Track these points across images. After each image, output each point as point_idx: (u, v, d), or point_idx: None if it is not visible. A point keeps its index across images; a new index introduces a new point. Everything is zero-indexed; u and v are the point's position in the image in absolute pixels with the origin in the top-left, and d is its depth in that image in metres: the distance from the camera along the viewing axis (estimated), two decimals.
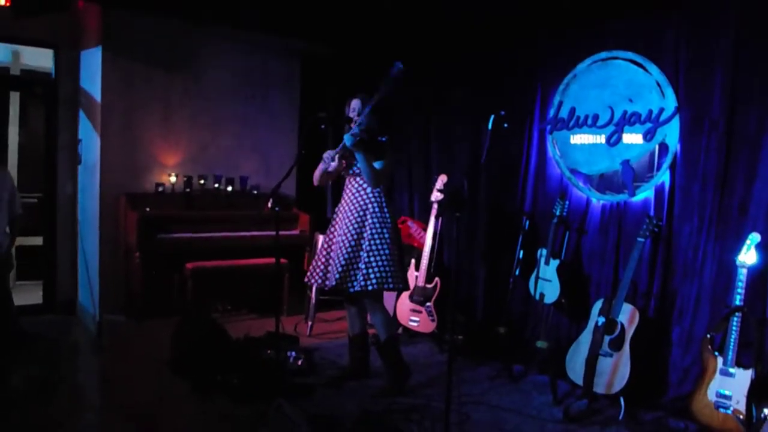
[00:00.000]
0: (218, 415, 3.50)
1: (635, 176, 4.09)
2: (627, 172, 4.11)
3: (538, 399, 3.90)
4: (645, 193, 4.06)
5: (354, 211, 3.82)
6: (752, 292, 3.39)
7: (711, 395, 3.26)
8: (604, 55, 4.26)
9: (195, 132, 5.85)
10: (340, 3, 4.88)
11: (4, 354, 4.49)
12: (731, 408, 3.18)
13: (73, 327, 5.46)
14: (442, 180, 4.98)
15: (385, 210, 3.85)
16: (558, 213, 4.30)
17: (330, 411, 3.54)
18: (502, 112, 3.80)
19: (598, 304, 3.79)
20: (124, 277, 5.35)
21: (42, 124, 5.86)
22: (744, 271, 3.28)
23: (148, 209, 5.24)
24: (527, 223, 4.62)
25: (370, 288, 3.71)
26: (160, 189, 5.53)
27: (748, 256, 3.28)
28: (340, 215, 3.92)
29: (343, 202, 3.94)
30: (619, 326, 3.65)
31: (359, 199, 3.84)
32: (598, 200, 4.34)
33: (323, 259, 3.93)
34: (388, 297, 5.03)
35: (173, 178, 5.62)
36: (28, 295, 5.98)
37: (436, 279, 4.94)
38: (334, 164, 3.81)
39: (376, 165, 3.76)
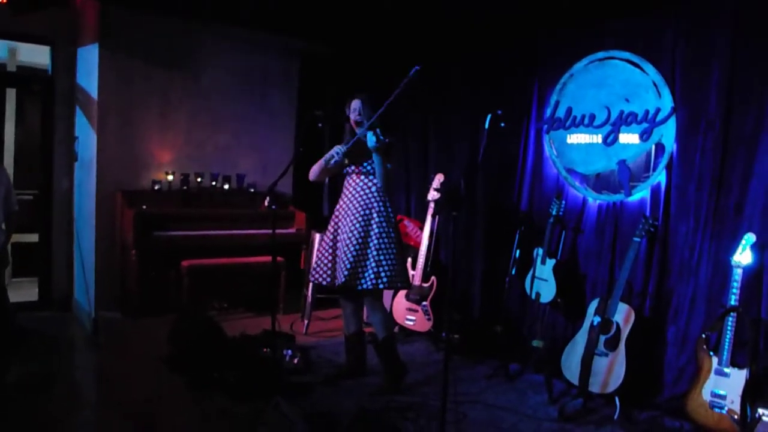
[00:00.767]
0: (215, 413, 3.50)
1: (632, 176, 4.10)
2: (623, 172, 4.12)
3: (534, 398, 3.91)
4: (641, 193, 4.07)
5: (360, 209, 3.83)
6: (747, 292, 3.40)
7: (706, 395, 3.27)
8: (601, 54, 4.26)
9: (192, 130, 5.85)
10: (339, 2, 4.88)
11: (0, 351, 4.48)
12: (726, 408, 3.19)
13: (68, 324, 5.45)
14: (439, 179, 4.99)
15: (389, 209, 3.88)
16: (554, 212, 4.31)
17: (327, 409, 3.54)
18: (499, 111, 3.79)
19: (593, 304, 3.81)
20: (120, 274, 5.35)
21: (38, 121, 5.84)
22: (739, 271, 3.29)
23: (144, 207, 5.23)
24: (523, 222, 4.63)
25: (381, 286, 3.75)
26: (157, 186, 5.53)
27: (743, 257, 3.30)
28: (343, 213, 3.91)
29: (345, 199, 3.94)
30: (614, 326, 3.66)
31: (365, 197, 3.85)
32: (594, 200, 4.35)
33: (329, 257, 3.93)
34: (385, 296, 5.03)
35: (170, 176, 5.61)
36: (23, 291, 5.96)
37: (433, 278, 4.95)
38: (333, 162, 3.80)
39: (389, 165, 3.80)
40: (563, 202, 4.34)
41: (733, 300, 3.27)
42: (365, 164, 3.85)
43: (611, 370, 3.62)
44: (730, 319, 3.26)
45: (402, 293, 5.04)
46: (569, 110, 4.44)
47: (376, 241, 3.77)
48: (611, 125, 4.19)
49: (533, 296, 4.36)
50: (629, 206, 4.14)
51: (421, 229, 5.13)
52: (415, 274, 5.01)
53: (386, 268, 3.75)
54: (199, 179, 5.74)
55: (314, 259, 4.04)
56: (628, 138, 4.11)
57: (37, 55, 5.93)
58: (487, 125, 3.80)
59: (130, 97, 5.47)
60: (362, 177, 3.89)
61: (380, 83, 3.85)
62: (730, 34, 3.61)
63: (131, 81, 5.46)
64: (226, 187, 5.88)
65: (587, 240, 4.39)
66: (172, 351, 4.17)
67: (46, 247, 5.79)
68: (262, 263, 5.55)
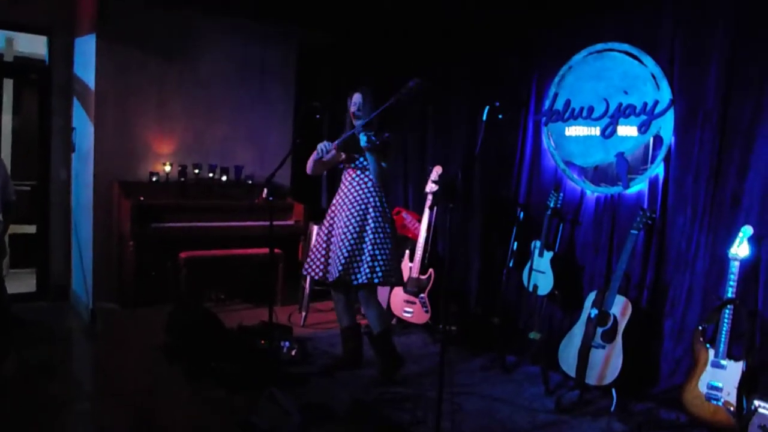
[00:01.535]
0: (211, 403, 3.50)
1: (629, 168, 4.09)
2: (621, 165, 4.12)
3: (531, 390, 3.92)
4: (639, 186, 4.06)
5: (355, 204, 3.83)
6: (744, 284, 3.40)
7: (702, 387, 3.27)
8: (599, 46, 4.25)
9: (190, 121, 5.83)
10: None
11: None
12: (722, 400, 3.19)
13: (66, 314, 5.45)
14: (436, 171, 4.98)
15: (385, 204, 3.88)
16: (552, 205, 4.30)
17: (323, 400, 3.55)
18: (497, 103, 3.78)
19: (591, 296, 3.81)
20: (117, 265, 5.35)
21: (36, 112, 5.82)
22: (736, 263, 3.29)
23: (142, 198, 5.23)
24: (521, 214, 4.62)
25: (376, 281, 3.76)
26: (155, 178, 5.52)
27: (740, 249, 3.29)
28: (339, 207, 3.91)
29: (341, 193, 3.94)
30: (611, 318, 3.67)
31: (360, 192, 3.85)
32: (592, 192, 4.34)
33: (323, 252, 3.93)
34: (383, 288, 5.04)
35: (168, 167, 5.60)
36: (21, 282, 5.96)
37: (431, 270, 4.94)
38: (329, 155, 3.81)
39: (384, 164, 3.80)
40: (561, 194, 4.33)
41: (730, 292, 3.27)
42: (361, 159, 3.84)
43: (608, 362, 3.62)
44: (727, 311, 3.26)
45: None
46: (568, 102, 4.43)
47: (371, 236, 3.77)
48: (609, 117, 4.18)
49: (530, 288, 4.36)
50: (627, 198, 4.14)
51: (419, 221, 5.12)
52: (413, 266, 5.01)
53: (381, 262, 3.76)
54: (196, 170, 5.73)
55: (309, 252, 4.05)
56: (627, 130, 4.10)
57: (34, 45, 5.91)
58: (484, 117, 3.79)
59: (128, 88, 5.46)
60: (358, 172, 3.88)
61: (378, 74, 3.85)
62: (729, 26, 3.60)
63: (128, 71, 5.44)
64: (224, 178, 5.87)
65: (585, 232, 4.39)
66: (168, 341, 4.17)
67: (44, 237, 5.78)
68: (259, 255, 5.55)
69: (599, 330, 3.69)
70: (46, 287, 5.80)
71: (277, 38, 6.21)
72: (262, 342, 4.19)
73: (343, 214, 3.86)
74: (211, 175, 5.82)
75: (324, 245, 3.93)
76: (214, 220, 5.55)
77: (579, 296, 4.20)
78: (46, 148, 5.71)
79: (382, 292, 5.09)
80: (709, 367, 3.28)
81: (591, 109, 4.29)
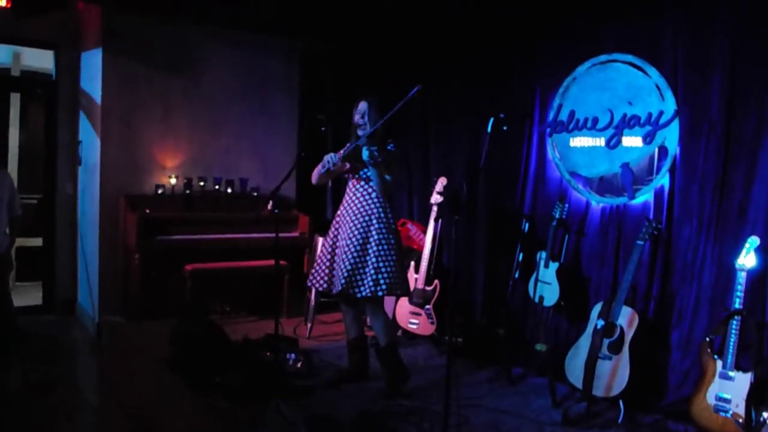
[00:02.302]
0: (217, 416, 3.50)
1: (635, 179, 4.09)
2: (626, 175, 4.11)
3: (537, 402, 3.89)
4: (644, 196, 4.06)
5: (359, 215, 3.82)
6: (751, 295, 3.38)
7: (710, 398, 3.25)
8: (603, 57, 4.26)
9: (195, 133, 5.86)
10: (340, 3, 4.88)
11: (3, 354, 4.49)
12: (730, 412, 3.17)
13: (72, 327, 5.47)
14: (441, 182, 4.98)
15: (389, 215, 3.87)
16: (557, 216, 4.29)
17: (328, 413, 3.53)
18: (502, 115, 3.80)
19: (597, 307, 3.79)
20: (123, 278, 5.35)
21: (42, 125, 5.87)
22: (743, 274, 3.27)
23: (147, 211, 5.24)
24: (527, 225, 4.62)
25: (380, 293, 3.74)
26: (160, 191, 5.54)
27: (747, 260, 3.28)
28: (343, 219, 3.91)
29: (345, 204, 3.94)
30: (618, 329, 3.65)
31: (364, 203, 3.84)
32: (597, 203, 4.34)
33: (327, 263, 3.92)
34: (388, 299, 5.03)
35: (173, 180, 5.62)
36: (27, 295, 5.99)
37: (436, 281, 4.94)
38: (334, 167, 3.81)
39: (387, 177, 3.79)
40: (566, 205, 4.33)
41: (737, 303, 3.26)
42: (365, 170, 3.84)
43: (615, 374, 3.60)
44: (734, 322, 3.24)
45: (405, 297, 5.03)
46: (572, 113, 4.43)
47: (375, 248, 3.76)
48: (614, 128, 4.18)
49: (536, 300, 4.35)
50: (632, 209, 4.13)
51: (424, 232, 5.12)
52: (419, 278, 5.00)
53: (385, 274, 3.74)
54: (201, 183, 5.75)
55: (314, 264, 4.05)
56: (632, 141, 4.10)
57: (40, 59, 5.97)
58: (489, 128, 3.81)
59: (133, 101, 5.49)
60: (362, 183, 3.88)
61: (382, 85, 3.86)
62: (731, 36, 3.60)
63: (134, 85, 5.48)
64: (229, 191, 5.88)
65: (590, 243, 4.38)
66: (173, 354, 4.17)
67: (50, 251, 5.81)
68: (265, 267, 5.55)
69: (606, 341, 3.67)
70: (52, 300, 5.82)
71: (280, 50, 6.25)
72: (268, 354, 4.19)
73: (346, 225, 3.85)
74: (216, 187, 5.84)
75: (328, 257, 3.93)
76: (219, 232, 5.56)
77: (585, 307, 4.18)
78: (52, 162, 5.75)
79: (387, 303, 5.08)
80: (717, 379, 3.25)
81: (595, 120, 4.29)
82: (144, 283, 5.19)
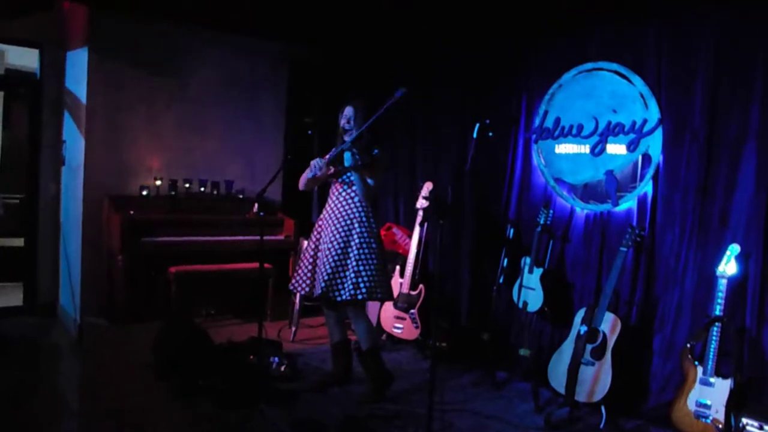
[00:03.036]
0: (200, 420, 3.47)
1: (619, 186, 4.13)
2: (611, 182, 4.15)
3: (521, 406, 3.92)
4: (628, 203, 4.10)
5: (341, 219, 3.82)
6: (732, 302, 3.44)
7: (691, 404, 3.29)
8: (589, 65, 4.30)
9: (181, 135, 5.83)
10: (328, 9, 4.89)
11: None
12: (711, 417, 3.21)
13: (53, 330, 5.40)
14: (427, 187, 5.00)
15: (372, 220, 3.87)
16: (542, 222, 4.33)
17: (313, 417, 3.53)
18: (488, 121, 3.83)
19: (580, 313, 3.82)
20: (106, 280, 5.31)
21: (26, 125, 5.80)
22: (724, 281, 3.32)
23: (132, 212, 5.20)
24: (512, 231, 4.65)
25: (360, 297, 3.73)
26: (145, 192, 5.50)
27: (728, 267, 3.33)
28: (325, 222, 3.91)
29: (328, 208, 3.94)
30: (601, 335, 3.68)
31: (346, 207, 3.85)
32: (582, 209, 4.37)
33: (309, 267, 3.93)
34: (373, 304, 5.04)
35: (158, 182, 5.59)
36: (8, 297, 5.91)
37: (421, 286, 4.95)
38: (321, 172, 3.82)
39: (370, 181, 3.80)
40: (551, 211, 4.36)
41: (718, 310, 3.30)
42: (348, 174, 3.85)
43: (597, 379, 3.63)
44: (715, 328, 3.29)
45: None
46: (557, 120, 4.47)
47: (356, 252, 3.76)
48: (599, 136, 4.22)
49: (520, 305, 4.37)
50: (616, 216, 4.17)
51: (410, 236, 5.14)
52: (404, 282, 5.01)
53: (365, 279, 3.73)
54: (187, 185, 5.72)
55: (296, 267, 4.05)
56: (616, 148, 4.14)
57: (25, 58, 5.90)
58: (475, 134, 3.84)
59: (119, 102, 5.45)
60: (345, 187, 3.88)
61: (369, 90, 3.87)
62: (714, 46, 3.66)
63: (120, 85, 5.44)
64: (215, 193, 5.86)
65: (575, 249, 4.41)
66: (156, 358, 4.14)
67: (32, 251, 5.74)
68: (250, 270, 5.53)
69: (589, 347, 3.71)
70: (33, 302, 5.74)
71: (268, 53, 6.24)
72: (252, 357, 4.17)
73: (329, 229, 3.86)
74: (201, 189, 5.81)
75: (311, 260, 3.93)
76: (204, 234, 5.53)
77: (569, 313, 4.21)
78: (35, 161, 5.67)
79: (372, 307, 5.09)
80: (697, 385, 3.30)
81: (580, 127, 4.33)
82: (128, 285, 5.15)
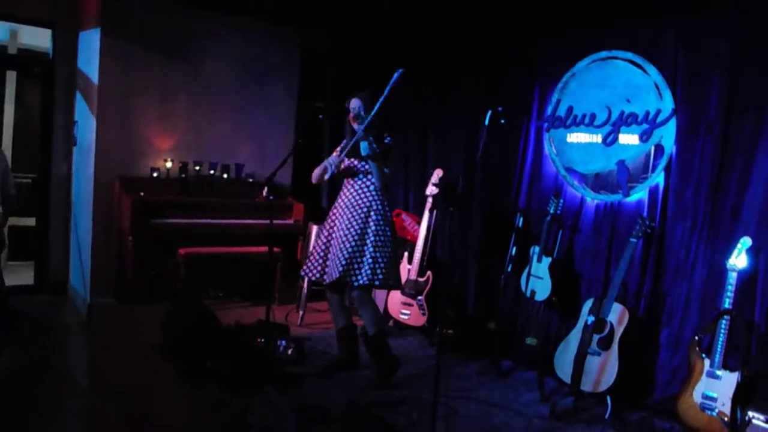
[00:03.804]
0: (207, 402, 3.50)
1: (630, 177, 4.10)
2: (622, 173, 4.12)
3: (526, 395, 3.92)
4: (639, 194, 4.07)
5: (357, 207, 3.86)
6: (741, 295, 3.41)
7: (697, 397, 3.28)
8: (603, 54, 4.25)
9: (192, 118, 5.83)
10: None
11: None
12: (716, 410, 3.20)
13: (63, 309, 5.45)
14: (437, 174, 4.98)
15: (387, 208, 3.93)
16: (552, 211, 4.31)
17: (318, 401, 3.55)
18: (500, 108, 3.79)
19: (588, 303, 3.81)
20: (116, 260, 5.35)
21: (38, 104, 5.82)
22: (734, 274, 3.29)
23: (142, 194, 5.23)
24: (521, 219, 4.63)
25: (376, 283, 3.79)
26: (155, 174, 5.52)
27: (738, 260, 3.30)
28: (340, 211, 3.94)
29: (342, 197, 3.96)
30: (608, 326, 3.67)
31: (362, 195, 3.88)
32: (592, 199, 4.35)
33: (321, 254, 3.95)
34: (380, 291, 5.04)
35: (169, 164, 5.60)
36: (19, 275, 5.96)
37: (429, 273, 4.95)
38: (334, 168, 3.82)
39: (386, 170, 3.85)
40: (561, 200, 4.34)
41: (727, 303, 3.28)
42: (363, 163, 3.86)
43: (603, 370, 3.63)
44: (724, 322, 3.26)
45: None
46: (570, 109, 4.43)
47: (373, 238, 3.81)
48: (611, 125, 4.19)
49: (528, 294, 4.36)
50: (627, 207, 4.14)
51: (419, 223, 5.13)
52: (411, 269, 5.01)
53: (382, 266, 3.80)
54: (197, 167, 5.73)
55: (308, 254, 4.07)
56: (628, 138, 4.11)
57: (38, 38, 5.91)
58: (487, 122, 3.81)
59: (131, 83, 5.45)
60: (360, 176, 3.90)
61: (380, 75, 3.83)
62: (731, 40, 3.61)
63: (132, 67, 5.44)
64: (225, 176, 5.87)
65: (584, 239, 4.39)
66: (164, 338, 4.17)
67: (43, 231, 5.78)
68: (258, 253, 5.55)
69: (595, 337, 3.70)
70: (44, 281, 5.80)
71: (280, 38, 6.21)
72: (259, 340, 4.20)
73: (344, 217, 3.88)
74: (212, 172, 5.82)
75: (323, 247, 3.96)
76: (214, 217, 5.55)
77: (576, 303, 4.20)
78: (47, 141, 5.70)
79: (379, 293, 5.10)
80: (704, 377, 3.28)
81: (593, 117, 4.29)
82: (137, 266, 5.18)
